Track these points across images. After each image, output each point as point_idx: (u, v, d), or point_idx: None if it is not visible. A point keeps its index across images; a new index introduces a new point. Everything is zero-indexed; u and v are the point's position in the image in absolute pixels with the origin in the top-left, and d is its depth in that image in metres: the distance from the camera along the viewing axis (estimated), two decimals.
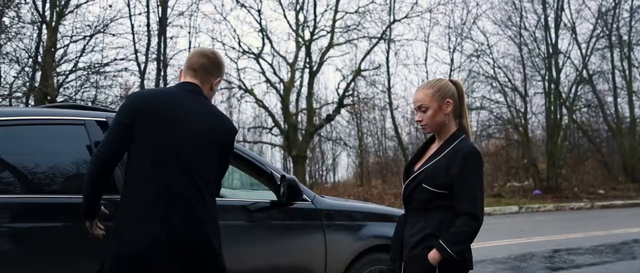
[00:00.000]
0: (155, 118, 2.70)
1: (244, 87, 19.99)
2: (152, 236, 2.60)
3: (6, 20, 15.95)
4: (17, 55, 16.29)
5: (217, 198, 2.86)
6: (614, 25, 23.63)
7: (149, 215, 2.63)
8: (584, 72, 23.23)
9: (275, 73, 20.29)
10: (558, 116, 22.87)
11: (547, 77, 22.60)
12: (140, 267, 2.59)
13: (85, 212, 2.81)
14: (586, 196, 20.65)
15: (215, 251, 2.73)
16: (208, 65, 2.86)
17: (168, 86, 3.06)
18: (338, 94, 20.68)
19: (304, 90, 20.68)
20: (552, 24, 22.69)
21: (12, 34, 16.12)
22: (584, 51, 23.07)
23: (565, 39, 28.19)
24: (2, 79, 16.69)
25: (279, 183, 3.77)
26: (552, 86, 22.49)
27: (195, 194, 2.69)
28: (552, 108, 22.75)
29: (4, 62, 16.37)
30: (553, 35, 22.61)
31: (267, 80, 20.15)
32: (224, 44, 19.34)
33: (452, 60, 22.74)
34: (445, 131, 2.82)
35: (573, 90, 23.32)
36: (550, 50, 22.50)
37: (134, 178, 2.70)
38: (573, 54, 23.60)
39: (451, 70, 22.57)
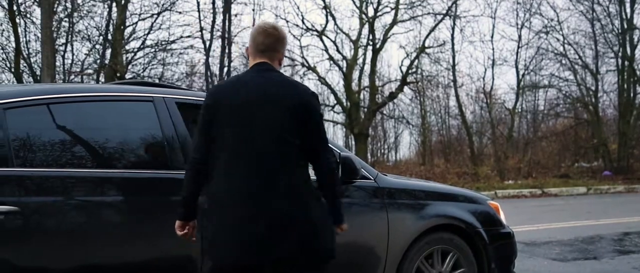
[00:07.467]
0: None
1: (306, 65, 20.05)
2: None
3: None
4: (89, 33, 16.92)
5: None
6: None
7: None
8: None
9: (338, 50, 20.27)
10: (632, 94, 21.95)
11: (620, 54, 21.70)
12: None
13: None
14: None
15: None
16: (274, 44, 2.86)
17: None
18: (401, 71, 20.47)
19: (367, 67, 20.59)
20: None
21: (84, 12, 16.70)
22: None
23: None
24: (74, 56, 17.34)
25: (338, 161, 3.71)
26: (626, 63, 21.60)
27: None
28: (626, 86, 21.86)
29: (76, 40, 17.01)
30: (628, 10, 21.61)
31: (330, 58, 20.14)
32: (287, 21, 19.42)
33: (519, 36, 22.04)
34: None
35: None
36: (625, 26, 21.54)
37: None
38: None
39: (518, 47, 21.91)
